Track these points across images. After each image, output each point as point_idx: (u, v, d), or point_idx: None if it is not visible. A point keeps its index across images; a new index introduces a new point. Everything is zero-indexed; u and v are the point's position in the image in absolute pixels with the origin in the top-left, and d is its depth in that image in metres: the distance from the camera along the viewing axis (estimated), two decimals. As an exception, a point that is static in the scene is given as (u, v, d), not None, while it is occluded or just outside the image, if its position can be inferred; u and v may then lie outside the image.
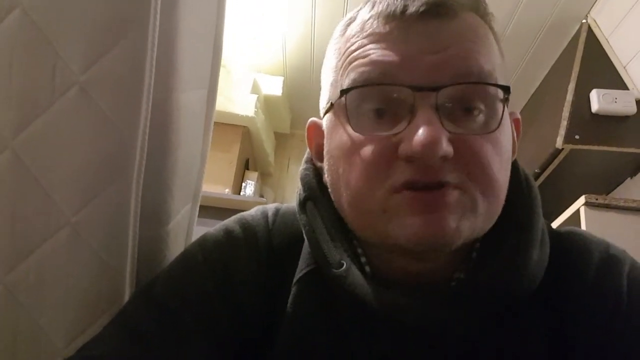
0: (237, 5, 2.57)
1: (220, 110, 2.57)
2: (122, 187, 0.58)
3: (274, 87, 2.93)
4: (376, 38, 0.51)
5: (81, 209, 0.57)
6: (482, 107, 0.49)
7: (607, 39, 2.33)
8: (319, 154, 0.59)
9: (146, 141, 0.58)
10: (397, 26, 0.50)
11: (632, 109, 2.12)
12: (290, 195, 3.37)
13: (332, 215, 0.56)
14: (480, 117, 0.49)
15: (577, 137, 2.03)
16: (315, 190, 0.59)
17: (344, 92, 0.51)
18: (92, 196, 0.57)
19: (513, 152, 0.56)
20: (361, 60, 0.50)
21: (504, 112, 0.50)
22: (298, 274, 0.58)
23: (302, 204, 0.59)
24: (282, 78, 2.96)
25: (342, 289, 0.52)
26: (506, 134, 0.52)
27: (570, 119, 2.09)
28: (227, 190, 2.54)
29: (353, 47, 0.52)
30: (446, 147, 0.46)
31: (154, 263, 0.64)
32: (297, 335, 0.55)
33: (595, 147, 2.05)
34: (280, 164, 3.49)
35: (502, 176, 0.50)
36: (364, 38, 0.52)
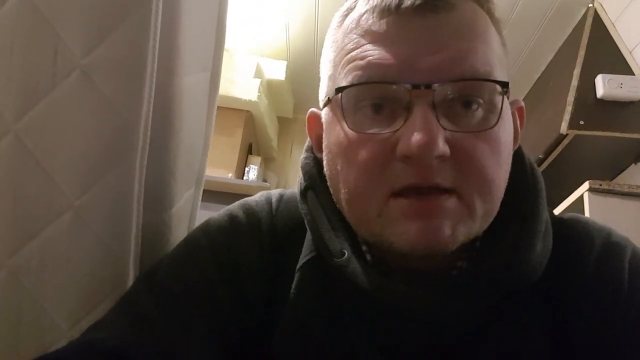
0: (240, -12, 2.55)
1: (223, 94, 2.56)
2: (125, 171, 0.58)
3: (277, 72, 2.92)
4: (373, 37, 0.50)
5: (84, 193, 0.57)
6: (480, 102, 0.49)
7: (613, 24, 2.31)
8: (319, 144, 0.59)
9: (149, 125, 0.58)
10: (393, 21, 0.49)
11: (637, 94, 2.10)
12: (293, 179, 3.37)
13: (332, 205, 0.56)
14: (479, 112, 0.49)
15: (581, 122, 2.02)
16: (316, 180, 0.59)
17: (339, 90, 0.51)
18: (95, 180, 0.57)
19: (515, 142, 0.56)
20: (359, 62, 0.50)
21: (504, 106, 0.50)
22: (301, 261, 0.58)
23: (303, 193, 0.59)
24: (285, 62, 2.94)
25: (343, 277, 0.52)
26: (506, 128, 0.51)
27: (575, 105, 2.07)
28: (230, 174, 2.54)
29: (350, 45, 0.52)
30: (442, 147, 0.46)
31: (157, 247, 0.65)
32: (298, 321, 0.55)
33: (600, 133, 2.03)
34: (283, 148, 3.49)
35: (499, 175, 0.50)
36: (360, 36, 0.51)
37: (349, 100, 0.50)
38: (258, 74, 2.78)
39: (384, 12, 0.50)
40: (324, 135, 0.57)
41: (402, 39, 0.49)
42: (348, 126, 0.50)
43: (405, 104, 0.47)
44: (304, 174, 0.61)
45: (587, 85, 2.13)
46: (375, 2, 0.51)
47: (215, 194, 2.21)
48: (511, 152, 0.53)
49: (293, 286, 0.56)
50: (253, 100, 2.66)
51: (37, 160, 0.56)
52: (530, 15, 2.49)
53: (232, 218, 0.61)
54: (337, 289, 0.55)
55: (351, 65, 0.51)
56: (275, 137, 3.29)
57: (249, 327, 0.56)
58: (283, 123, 3.45)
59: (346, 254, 0.53)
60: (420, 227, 0.47)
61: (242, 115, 2.74)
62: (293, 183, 3.32)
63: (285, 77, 2.95)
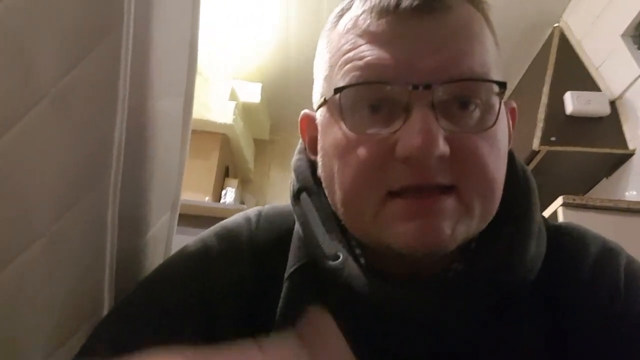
0: (212, 13, 2.56)
1: (198, 118, 2.56)
2: (99, 196, 0.57)
3: (253, 94, 2.93)
4: (370, 37, 0.50)
5: (58, 219, 0.56)
6: (478, 102, 0.49)
7: (579, 42, 2.38)
8: (312, 146, 0.58)
9: (122, 150, 0.57)
10: (391, 22, 0.49)
11: (605, 110, 2.16)
12: (271, 201, 3.36)
13: (326, 207, 0.56)
14: (477, 113, 0.49)
15: (553, 138, 2.06)
16: (309, 181, 0.58)
17: (338, 90, 0.50)
18: (69, 206, 0.56)
19: (509, 142, 0.56)
20: (357, 63, 0.49)
21: (501, 107, 0.50)
22: (289, 270, 0.57)
23: (296, 195, 0.58)
24: (260, 84, 2.96)
25: (337, 281, 0.51)
26: (503, 128, 0.52)
27: (545, 121, 2.12)
28: (207, 198, 2.53)
29: (347, 46, 0.51)
30: (442, 147, 0.45)
31: (132, 273, 0.63)
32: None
33: (571, 149, 2.08)
34: (260, 170, 3.48)
35: (498, 174, 0.50)
36: (358, 36, 0.51)
37: (347, 100, 0.50)
38: (233, 96, 2.79)
39: (382, 12, 0.49)
40: (319, 137, 0.56)
41: (400, 39, 0.48)
42: (346, 127, 0.50)
43: (404, 104, 0.47)
44: (297, 176, 0.60)
45: (556, 102, 2.18)
46: (373, 3, 0.50)
47: (192, 218, 2.18)
48: (506, 154, 0.54)
49: (282, 296, 0.55)
50: (228, 123, 2.67)
51: (10, 187, 0.55)
52: (499, 36, 2.54)
53: (205, 246, 0.60)
54: (330, 295, 0.53)
55: (349, 65, 0.50)
56: (252, 159, 3.29)
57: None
58: (259, 145, 3.45)
59: (341, 256, 0.52)
60: (419, 227, 0.46)
61: (217, 138, 2.74)
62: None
63: (261, 99, 2.96)
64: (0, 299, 0.55)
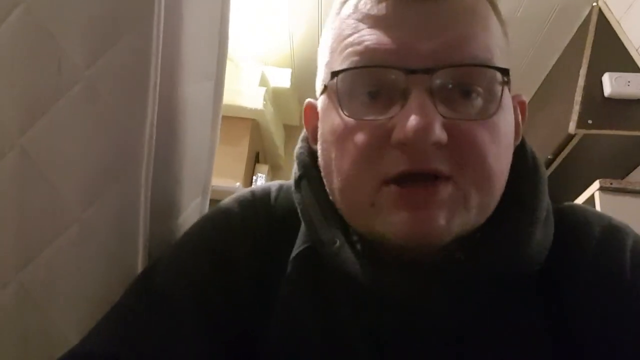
0: (243, -2, 2.56)
1: (229, 103, 2.57)
2: (131, 182, 0.57)
3: (282, 79, 2.92)
4: (370, 22, 0.49)
5: (90, 205, 0.57)
6: (480, 90, 0.48)
7: (618, 22, 2.29)
8: (314, 135, 0.58)
9: (154, 135, 0.58)
10: (391, 6, 0.48)
11: (645, 91, 2.09)
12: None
13: (325, 195, 0.56)
14: (479, 101, 0.48)
15: (590, 121, 2.00)
16: (310, 169, 0.58)
17: (335, 74, 0.49)
18: (101, 192, 0.57)
19: (517, 136, 0.54)
20: (356, 47, 0.49)
21: (503, 95, 0.49)
22: (294, 252, 0.57)
23: (297, 182, 0.59)
24: (290, 70, 2.95)
25: (334, 266, 0.52)
26: (506, 118, 0.50)
27: (582, 104, 2.06)
28: (238, 183, 2.54)
29: (347, 31, 0.51)
30: (439, 133, 0.44)
31: (164, 257, 0.64)
32: (290, 314, 0.54)
33: (609, 132, 2.02)
34: (290, 156, 3.43)
35: (499, 165, 0.48)
36: (358, 21, 0.50)
37: (344, 85, 0.49)
38: (263, 82, 2.79)
39: None
40: (319, 124, 0.56)
41: (400, 23, 0.48)
42: (343, 112, 0.49)
43: (402, 90, 0.46)
44: (298, 164, 0.60)
45: (594, 84, 2.11)
46: None
47: (223, 204, 2.21)
48: (511, 146, 0.52)
49: (286, 278, 0.56)
50: (259, 108, 2.67)
51: (42, 174, 0.56)
52: (534, 15, 2.48)
53: (226, 212, 0.60)
54: (330, 280, 0.54)
55: (348, 50, 0.50)
56: (282, 145, 3.29)
57: (242, 321, 0.55)
58: (289, 131, 3.45)
59: (338, 242, 0.52)
60: (414, 216, 0.46)
61: (248, 124, 2.74)
62: (301, 190, 3.30)
63: (291, 85, 2.95)
64: (35, 286, 0.56)
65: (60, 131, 0.56)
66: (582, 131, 2.02)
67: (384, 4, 0.49)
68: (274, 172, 3.33)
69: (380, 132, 0.47)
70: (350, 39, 0.50)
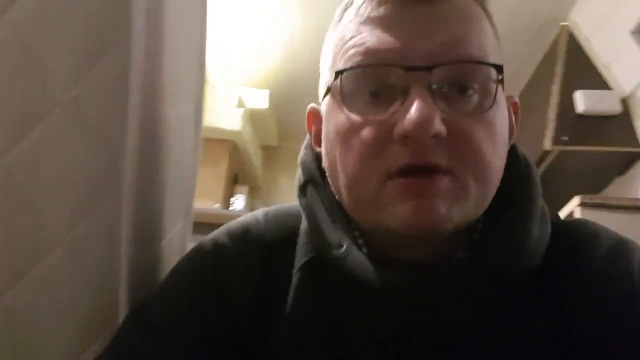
0: (217, 21, 2.57)
1: (207, 125, 2.56)
2: (112, 205, 0.57)
3: (260, 100, 2.93)
4: (371, 25, 0.51)
5: (74, 227, 0.56)
6: (475, 86, 0.50)
7: (588, 40, 2.36)
8: (317, 138, 0.60)
9: (135, 158, 0.57)
10: (390, 9, 0.51)
11: (616, 108, 2.14)
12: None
13: (331, 199, 0.57)
14: (474, 98, 0.50)
15: (564, 138, 2.04)
16: (315, 174, 0.60)
17: (339, 73, 0.52)
18: (85, 214, 0.56)
19: (511, 136, 0.56)
20: (358, 49, 0.51)
21: (498, 92, 0.51)
22: (299, 263, 0.58)
23: (302, 187, 0.60)
24: (267, 91, 2.96)
25: (341, 270, 0.52)
26: (501, 115, 0.52)
27: (557, 121, 2.10)
28: (217, 205, 2.52)
29: (349, 34, 0.53)
30: (438, 126, 0.46)
31: (149, 281, 0.63)
32: (298, 322, 0.55)
33: (584, 148, 2.06)
34: (269, 177, 3.47)
35: (495, 159, 0.50)
36: (359, 24, 0.52)
37: (348, 84, 0.52)
38: (241, 103, 2.79)
39: (382, 0, 0.51)
40: (323, 126, 0.57)
41: (399, 25, 0.50)
42: (347, 109, 0.51)
43: (402, 87, 0.49)
44: (303, 169, 0.61)
45: (566, 101, 2.17)
46: None
47: (202, 225, 2.18)
48: (506, 143, 0.54)
49: (292, 289, 0.56)
50: (237, 130, 2.67)
51: (26, 194, 0.55)
52: (506, 35, 2.53)
53: (214, 241, 0.61)
54: (334, 283, 0.55)
55: (351, 51, 0.52)
56: (261, 166, 3.29)
57: (244, 338, 0.56)
58: (268, 152, 3.45)
59: (345, 245, 0.53)
60: (417, 206, 0.47)
61: (226, 146, 2.74)
62: (280, 211, 3.29)
63: (269, 106, 2.96)
64: (20, 306, 0.55)
65: (44, 151, 0.55)
66: (558, 147, 2.06)
67: (383, 8, 0.51)
68: (253, 193, 3.31)
69: (383, 128, 0.49)
70: (352, 41, 0.52)
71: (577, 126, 2.12)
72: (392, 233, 0.49)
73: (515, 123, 0.59)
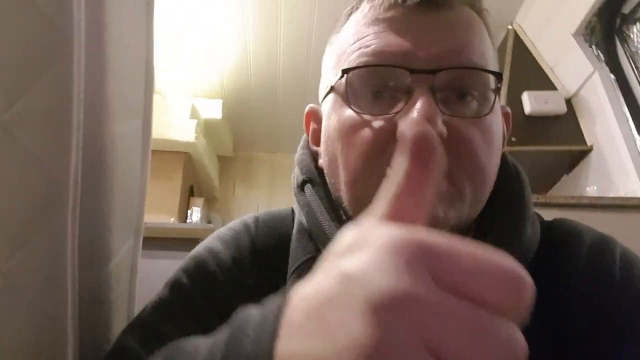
0: (167, 31, 2.53)
1: (159, 137, 2.52)
2: (56, 230, 0.54)
3: (214, 111, 2.91)
4: (378, 27, 0.53)
5: (12, 257, 0.53)
6: (475, 93, 0.52)
7: (532, 43, 2.43)
8: (315, 137, 0.62)
9: (79, 178, 0.55)
10: (398, 14, 0.53)
11: (562, 108, 2.22)
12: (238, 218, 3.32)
13: (329, 197, 0.58)
14: (473, 104, 0.52)
15: (513, 139, 2.09)
16: (313, 173, 0.61)
17: (345, 72, 0.53)
18: (24, 242, 0.53)
19: (503, 144, 0.59)
20: (364, 50, 0.53)
21: (495, 101, 0.53)
22: (292, 267, 0.58)
23: (301, 186, 0.60)
24: (221, 101, 2.93)
25: None
26: (497, 122, 0.55)
27: (505, 122, 2.15)
28: (172, 219, 2.48)
29: (356, 36, 0.55)
30: (440, 127, 0.48)
31: (96, 306, 0.61)
32: None
33: (532, 148, 2.12)
34: (225, 187, 3.44)
35: (489, 163, 0.53)
36: (366, 26, 0.54)
37: (353, 82, 0.53)
38: (194, 114, 2.76)
39: (390, 5, 0.53)
40: (323, 124, 0.59)
41: (405, 30, 0.52)
42: (351, 108, 0.53)
43: (406, 88, 0.50)
44: (301, 168, 0.63)
45: (514, 102, 2.22)
46: None
47: (158, 241, 2.14)
48: (500, 149, 0.56)
49: (286, 289, 0.56)
50: (190, 141, 2.64)
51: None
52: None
53: (210, 250, 0.61)
54: None
55: (357, 52, 0.54)
56: (217, 177, 3.25)
57: None
58: (223, 162, 3.41)
59: None
60: None
61: (180, 157, 2.70)
62: (238, 221, 3.26)
63: (222, 116, 2.93)
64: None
65: (-25, 180, 0.52)
66: (507, 149, 2.11)
67: (390, 12, 0.53)
68: (210, 204, 3.27)
69: (385, 126, 0.51)
70: (358, 43, 0.54)
71: (524, 127, 2.17)
72: None
73: (507, 133, 0.61)
